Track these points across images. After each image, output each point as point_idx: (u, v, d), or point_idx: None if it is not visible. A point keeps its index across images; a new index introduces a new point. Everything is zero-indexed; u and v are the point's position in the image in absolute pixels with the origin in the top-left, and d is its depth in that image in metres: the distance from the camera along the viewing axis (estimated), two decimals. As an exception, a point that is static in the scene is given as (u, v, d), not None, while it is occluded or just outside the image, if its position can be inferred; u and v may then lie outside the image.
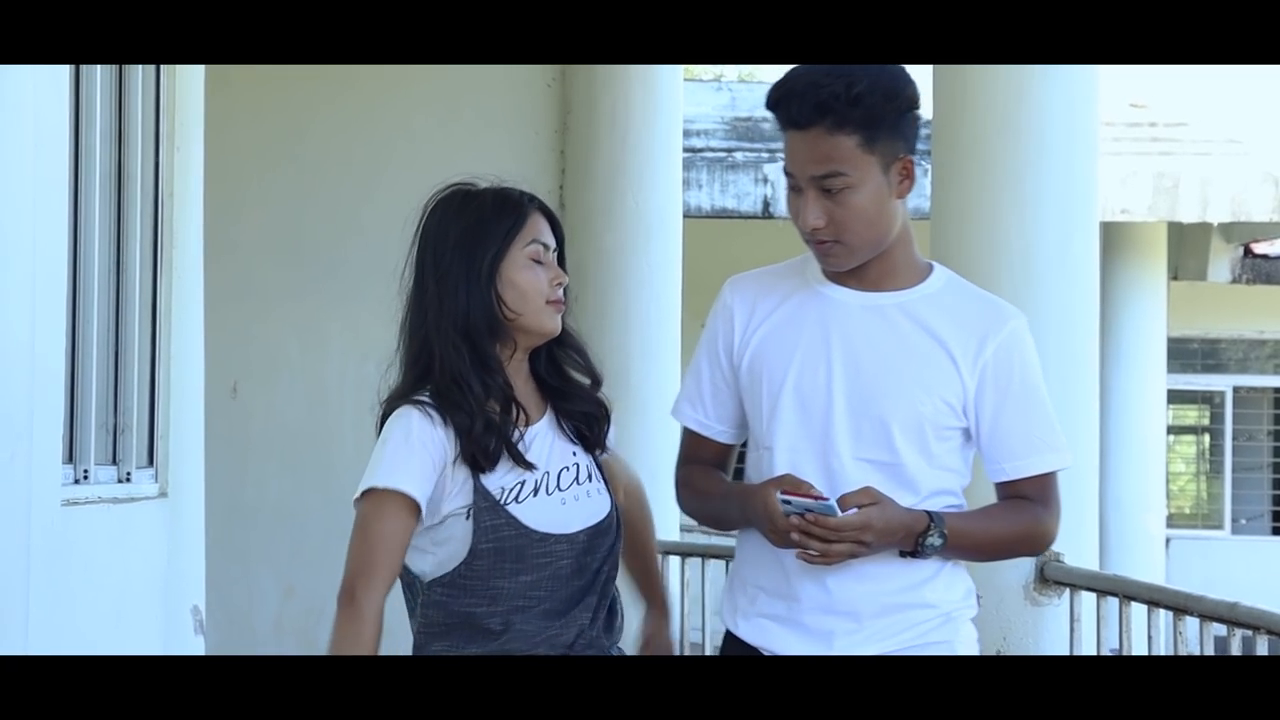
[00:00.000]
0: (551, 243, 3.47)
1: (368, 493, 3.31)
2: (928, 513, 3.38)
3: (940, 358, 3.42)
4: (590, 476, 3.42)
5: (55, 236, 4.85)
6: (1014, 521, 3.49)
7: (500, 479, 3.34)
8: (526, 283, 3.41)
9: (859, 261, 3.44)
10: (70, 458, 5.56)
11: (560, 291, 3.46)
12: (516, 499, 3.33)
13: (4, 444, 3.55)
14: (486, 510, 3.31)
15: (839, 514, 3.25)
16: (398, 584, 3.36)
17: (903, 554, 3.37)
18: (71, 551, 5.05)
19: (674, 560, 8.95)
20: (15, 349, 3.59)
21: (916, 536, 3.35)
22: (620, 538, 3.44)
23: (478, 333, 3.37)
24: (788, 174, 3.43)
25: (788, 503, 3.26)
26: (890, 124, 3.38)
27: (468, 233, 3.41)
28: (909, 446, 3.40)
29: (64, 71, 5.06)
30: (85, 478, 5.65)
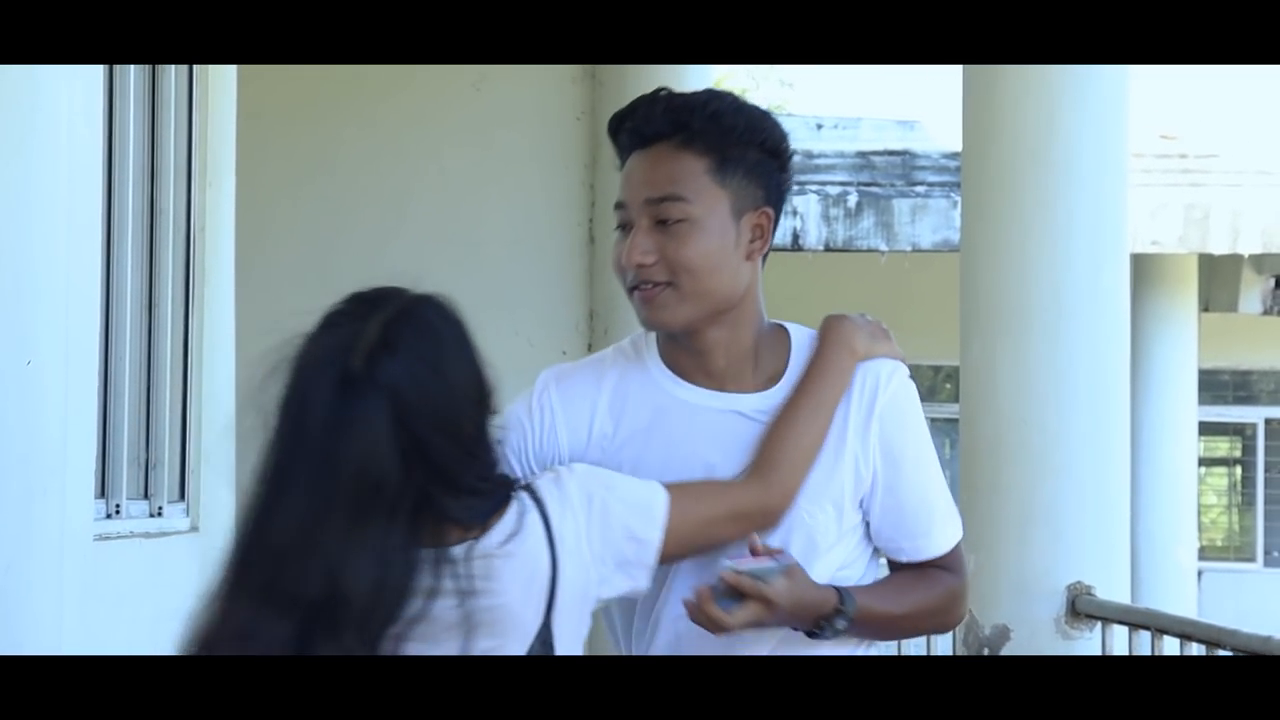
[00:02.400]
0: None
1: None
2: (837, 590, 2.88)
3: (836, 453, 2.91)
4: None
5: (88, 271, 4.87)
6: (928, 597, 2.99)
7: None
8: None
9: (687, 319, 2.90)
10: (102, 492, 5.57)
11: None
12: None
13: (37, 479, 3.56)
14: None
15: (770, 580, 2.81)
16: None
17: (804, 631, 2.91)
18: (104, 587, 5.06)
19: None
20: (48, 383, 3.60)
21: (819, 619, 2.87)
22: None
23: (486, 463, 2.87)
24: (618, 209, 2.94)
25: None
26: (750, 161, 2.90)
27: (459, 363, 2.82)
28: (803, 560, 2.89)
29: (98, 107, 5.08)
30: (117, 512, 5.67)
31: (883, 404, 2.94)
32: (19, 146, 3.47)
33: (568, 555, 2.83)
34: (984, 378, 6.06)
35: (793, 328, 3.02)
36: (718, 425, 2.93)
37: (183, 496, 6.26)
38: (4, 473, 3.44)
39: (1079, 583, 5.87)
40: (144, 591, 5.70)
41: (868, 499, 2.95)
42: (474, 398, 2.82)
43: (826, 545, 2.93)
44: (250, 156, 7.38)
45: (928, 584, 2.99)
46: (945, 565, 3.01)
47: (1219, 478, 19.74)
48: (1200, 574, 16.64)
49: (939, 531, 3.00)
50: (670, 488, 2.87)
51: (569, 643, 2.87)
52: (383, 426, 2.74)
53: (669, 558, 2.87)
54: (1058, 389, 5.96)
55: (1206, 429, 17.64)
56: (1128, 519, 6.19)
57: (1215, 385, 18.08)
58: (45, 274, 3.58)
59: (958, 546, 3.04)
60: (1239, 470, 19.37)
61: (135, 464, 5.90)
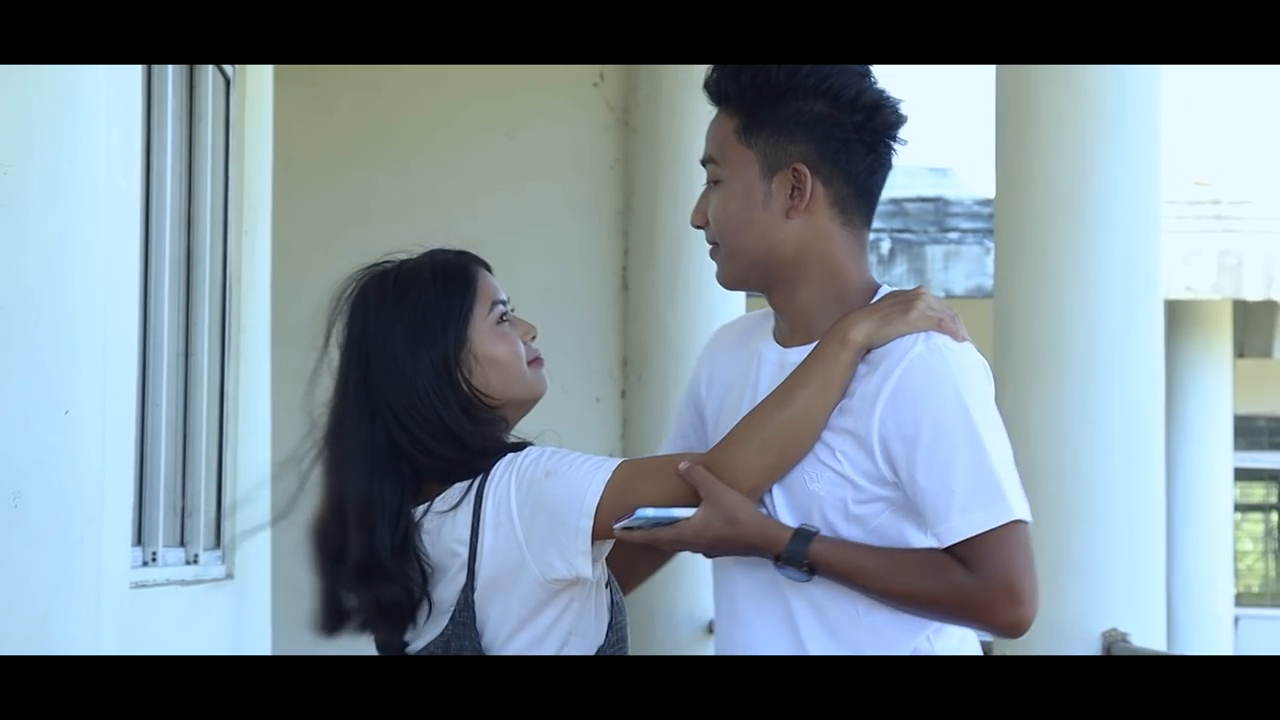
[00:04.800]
0: (507, 295, 3.11)
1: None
2: (798, 533, 2.84)
3: (838, 423, 2.85)
4: None
5: (125, 320, 4.90)
6: (912, 574, 2.81)
7: None
8: (505, 354, 3.05)
9: (731, 277, 2.96)
10: (139, 540, 5.59)
11: (534, 346, 3.10)
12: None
13: (75, 527, 3.58)
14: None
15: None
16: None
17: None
18: (140, 634, 5.08)
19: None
20: (86, 432, 3.62)
21: (776, 556, 2.85)
22: None
23: (467, 429, 3.00)
24: None
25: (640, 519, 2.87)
26: (781, 118, 2.88)
27: (418, 324, 3.04)
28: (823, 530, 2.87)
29: (135, 156, 5.12)
30: (154, 560, 5.68)
31: (894, 383, 2.81)
32: (58, 197, 3.49)
33: (488, 531, 2.92)
34: (1017, 424, 6.05)
35: (886, 291, 2.95)
36: (769, 378, 2.94)
37: (218, 544, 6.28)
38: (42, 520, 3.45)
39: (1114, 629, 5.86)
40: (180, 638, 5.71)
41: (896, 478, 2.84)
42: (437, 362, 3.00)
43: (841, 519, 2.85)
44: (285, 205, 7.42)
45: (927, 569, 2.80)
46: (963, 556, 2.76)
47: (1255, 524, 19.67)
48: (1236, 620, 16.57)
49: (956, 517, 2.76)
50: (628, 464, 2.92)
51: (500, 623, 2.94)
52: (350, 373, 3.09)
53: (604, 535, 2.91)
54: (1092, 436, 5.96)
55: (1242, 475, 17.59)
56: (1163, 565, 6.17)
57: (1250, 431, 18.03)
58: (83, 323, 3.60)
59: (992, 545, 2.76)
60: (1275, 516, 19.30)
61: (171, 511, 5.92)
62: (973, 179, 14.42)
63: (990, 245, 12.15)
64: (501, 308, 3.08)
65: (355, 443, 3.08)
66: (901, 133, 2.95)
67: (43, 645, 3.42)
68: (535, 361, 3.09)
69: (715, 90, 2.95)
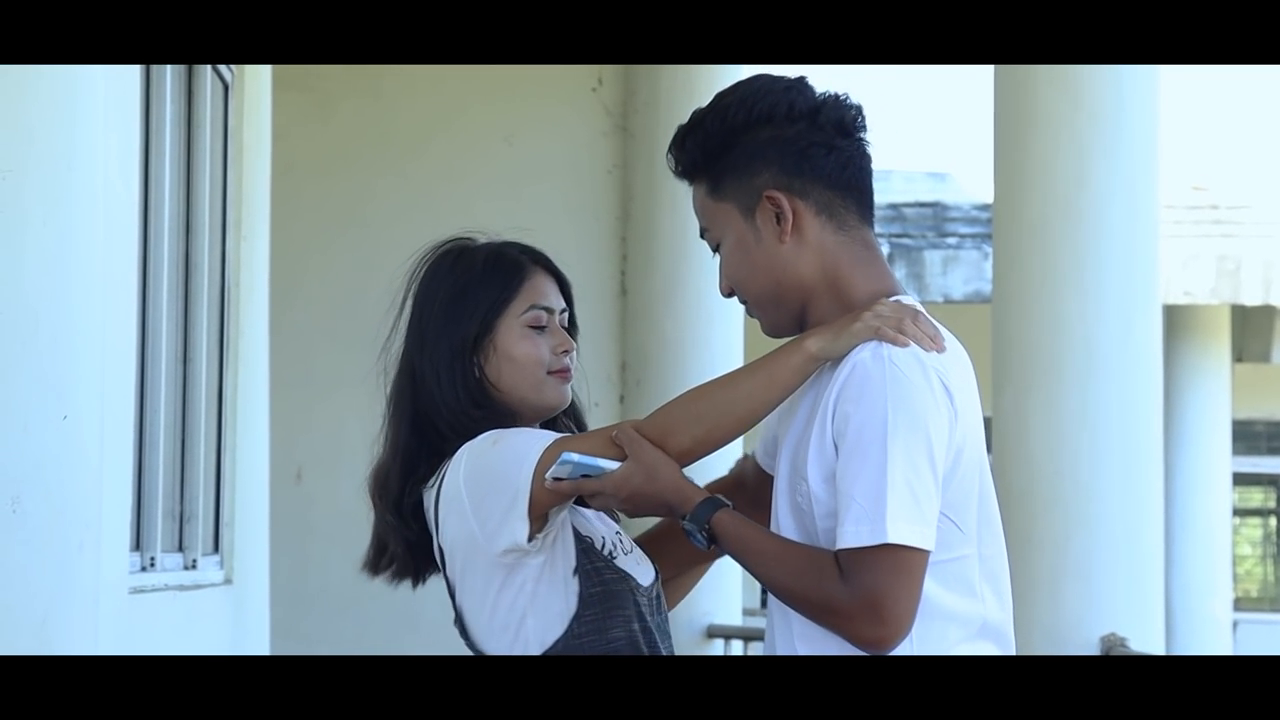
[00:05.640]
0: (558, 305, 3.19)
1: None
2: (707, 500, 2.91)
3: (814, 432, 2.86)
4: (633, 544, 3.21)
5: (124, 325, 4.90)
6: (794, 567, 2.83)
7: (586, 528, 3.12)
8: (523, 354, 3.13)
9: (774, 322, 2.98)
10: (137, 545, 5.59)
11: (567, 359, 3.17)
12: (609, 553, 3.10)
13: (73, 532, 3.58)
14: (583, 553, 3.06)
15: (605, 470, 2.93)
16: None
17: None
18: (138, 639, 5.08)
19: (736, 644, 8.94)
20: (84, 437, 3.62)
21: (682, 519, 2.91)
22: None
23: (472, 409, 3.10)
24: None
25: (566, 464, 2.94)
26: (731, 160, 2.92)
27: (454, 302, 3.15)
28: (800, 539, 2.88)
29: (134, 162, 5.12)
30: (152, 565, 5.68)
31: (838, 385, 2.82)
32: (56, 202, 3.50)
33: (445, 505, 3.03)
34: (1016, 429, 6.06)
35: (895, 300, 2.93)
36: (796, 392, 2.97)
37: (217, 549, 6.28)
38: (40, 526, 3.45)
39: (1113, 634, 5.86)
40: (178, 643, 5.71)
41: None
42: (456, 341, 3.11)
43: (820, 514, 2.85)
44: (283, 210, 7.43)
45: (806, 562, 2.82)
46: (842, 565, 2.76)
47: (1253, 529, 19.67)
48: (1235, 625, 16.57)
49: (847, 525, 2.75)
50: (566, 436, 3.03)
51: (473, 598, 3.03)
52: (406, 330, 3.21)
53: (544, 502, 2.97)
54: (1090, 440, 5.97)
55: (1240, 480, 17.58)
56: (1161, 570, 6.18)
57: (1249, 436, 18.02)
58: (82, 328, 3.60)
59: (861, 561, 2.74)
60: (1273, 521, 19.30)
61: (170, 517, 5.92)
62: (971, 184, 14.42)
63: (989, 250, 12.15)
64: (540, 312, 3.16)
65: (397, 393, 3.19)
66: (857, 120, 2.94)
67: (41, 650, 3.42)
68: (560, 373, 3.16)
69: (674, 168, 2.99)
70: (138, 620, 5.14)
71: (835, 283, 2.93)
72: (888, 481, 2.75)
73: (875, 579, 2.74)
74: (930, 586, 2.81)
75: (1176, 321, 15.07)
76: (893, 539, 2.74)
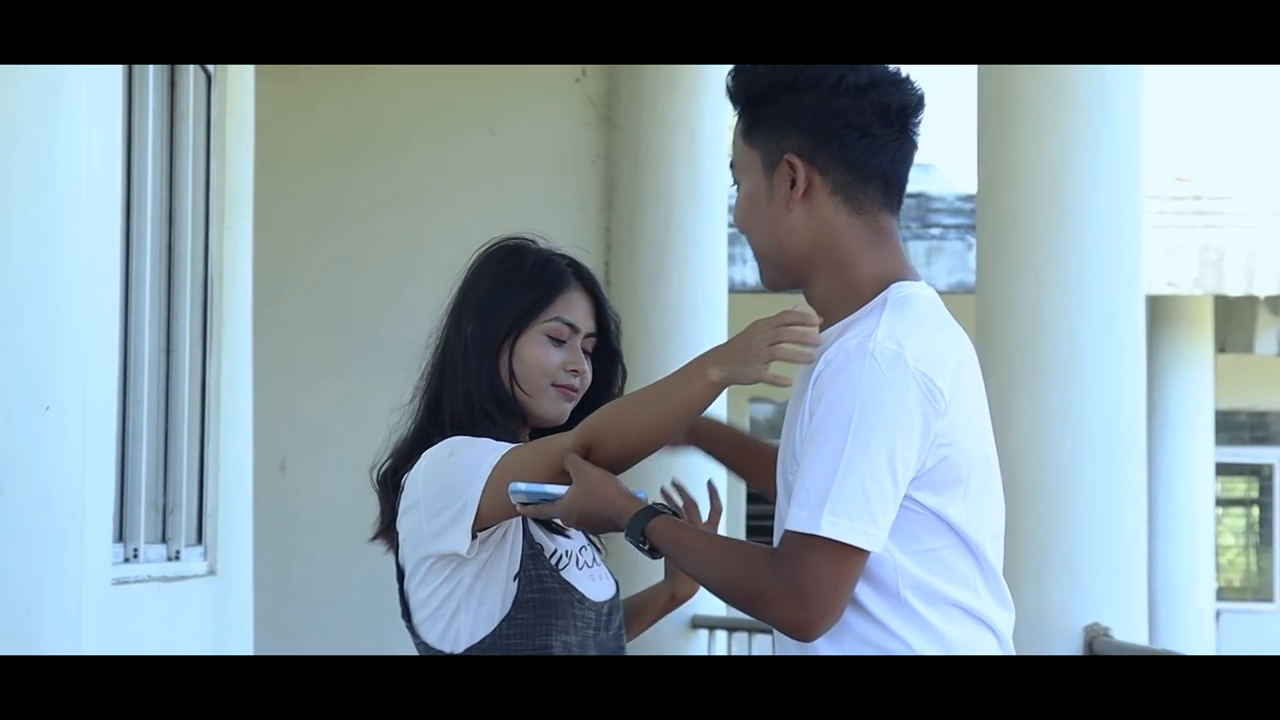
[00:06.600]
0: (586, 327, 3.26)
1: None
2: (640, 511, 2.92)
3: (797, 409, 2.85)
4: (598, 559, 3.27)
5: (106, 316, 4.90)
6: (724, 559, 2.85)
7: (540, 537, 3.18)
8: (532, 360, 3.21)
9: (770, 277, 2.96)
10: (120, 536, 5.59)
11: (573, 378, 3.23)
12: (557, 563, 3.17)
13: (56, 523, 3.58)
14: (530, 559, 3.13)
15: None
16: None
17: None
18: (121, 630, 5.08)
19: (720, 634, 8.95)
20: (67, 428, 3.62)
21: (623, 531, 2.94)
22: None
23: (487, 400, 3.19)
24: None
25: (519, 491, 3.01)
26: (769, 112, 2.89)
27: (494, 295, 3.23)
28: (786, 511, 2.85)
29: (116, 154, 5.11)
30: (135, 556, 5.68)
31: (819, 365, 2.80)
32: (39, 194, 3.49)
33: (405, 499, 3.14)
34: (999, 420, 6.01)
35: (899, 289, 2.88)
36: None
37: (200, 540, 6.28)
38: (23, 516, 3.46)
39: (1096, 624, 5.87)
40: (162, 634, 5.71)
41: None
42: (491, 330, 3.20)
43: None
44: (266, 201, 7.42)
45: (740, 556, 2.83)
46: (780, 554, 2.76)
47: (1236, 518, 19.70)
48: (1218, 615, 16.61)
49: (795, 507, 2.74)
50: (517, 448, 3.09)
51: (416, 585, 3.13)
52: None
53: (494, 512, 3.06)
54: (1074, 431, 5.97)
55: (1223, 470, 17.62)
56: (1144, 560, 6.19)
57: (1232, 426, 18.05)
58: (64, 319, 3.60)
59: (798, 546, 2.74)
60: (1256, 511, 19.34)
61: (153, 508, 5.92)
62: (955, 175, 14.43)
63: (972, 241, 12.16)
64: (562, 326, 3.23)
65: (427, 371, 3.29)
66: (905, 109, 2.91)
67: (24, 640, 3.43)
68: (562, 389, 3.23)
69: (727, 92, 2.95)
70: (121, 611, 5.14)
71: (839, 262, 2.89)
72: (838, 474, 2.73)
73: (803, 565, 2.73)
74: (918, 573, 2.80)
75: (1160, 312, 15.09)
76: (825, 533, 2.72)
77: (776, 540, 2.84)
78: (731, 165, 2.98)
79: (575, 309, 3.25)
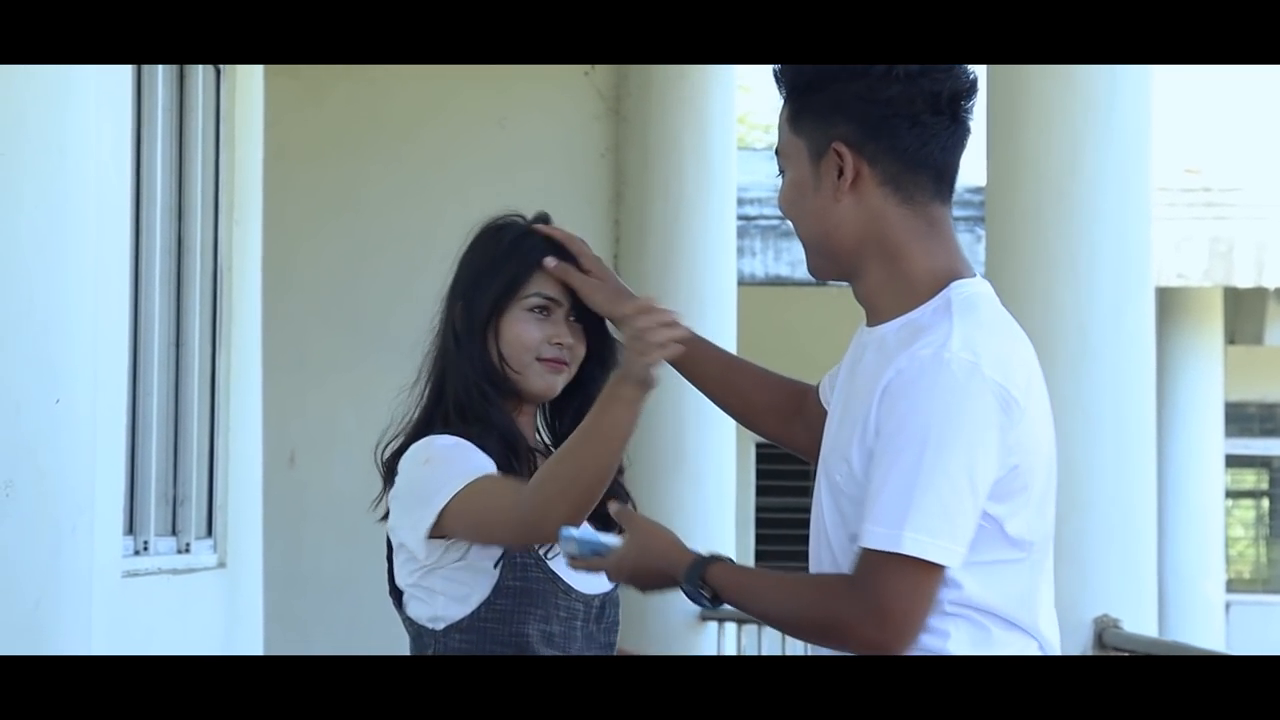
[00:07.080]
0: (563, 299, 3.26)
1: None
2: (696, 559, 2.83)
3: (859, 412, 2.77)
4: None
5: (116, 309, 4.90)
6: (796, 592, 2.78)
7: None
8: (515, 336, 3.23)
9: (817, 266, 2.89)
10: (130, 529, 5.59)
11: (559, 351, 3.24)
12: (545, 552, 3.18)
13: (66, 516, 3.58)
14: (516, 547, 3.17)
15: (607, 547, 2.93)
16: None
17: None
18: (132, 623, 5.08)
19: (730, 627, 8.94)
20: (77, 421, 3.63)
21: (679, 586, 2.85)
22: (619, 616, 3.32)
23: (482, 380, 3.24)
24: None
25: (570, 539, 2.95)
26: (818, 100, 2.82)
27: (478, 275, 3.29)
28: (835, 519, 2.81)
29: (126, 147, 5.12)
30: (145, 549, 5.69)
31: (891, 373, 2.72)
32: (49, 187, 3.50)
33: (391, 492, 3.22)
34: (1009, 412, 6.05)
35: (961, 289, 2.81)
36: (850, 359, 2.92)
37: (210, 532, 6.28)
38: (33, 509, 3.46)
39: (1106, 616, 5.87)
40: (172, 627, 5.72)
41: None
42: (479, 307, 3.26)
43: (852, 498, 2.77)
44: (276, 194, 7.42)
45: (808, 588, 2.77)
46: (853, 578, 2.70)
47: (1246, 510, 19.68)
48: (1228, 606, 16.59)
49: (868, 523, 2.67)
50: (487, 478, 3.12)
51: (400, 565, 3.23)
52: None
53: (453, 534, 3.14)
54: (1083, 423, 5.96)
55: (1233, 461, 17.59)
56: (1154, 552, 6.18)
57: (1241, 418, 18.03)
58: (74, 312, 3.60)
59: (872, 564, 2.67)
60: (1266, 503, 19.31)
61: (163, 500, 5.93)
62: (964, 167, 14.40)
63: (981, 233, 12.14)
64: (543, 300, 3.25)
65: (430, 355, 3.36)
66: (958, 96, 2.84)
67: (34, 634, 3.43)
68: (549, 362, 3.25)
69: (775, 79, 2.89)
70: (131, 604, 5.14)
71: (890, 255, 2.82)
72: (917, 489, 2.66)
73: (884, 583, 2.67)
74: (972, 585, 2.76)
75: (1169, 304, 15.08)
76: (908, 550, 2.66)
77: (817, 521, 2.82)
78: (776, 152, 2.91)
79: (552, 283, 3.27)
